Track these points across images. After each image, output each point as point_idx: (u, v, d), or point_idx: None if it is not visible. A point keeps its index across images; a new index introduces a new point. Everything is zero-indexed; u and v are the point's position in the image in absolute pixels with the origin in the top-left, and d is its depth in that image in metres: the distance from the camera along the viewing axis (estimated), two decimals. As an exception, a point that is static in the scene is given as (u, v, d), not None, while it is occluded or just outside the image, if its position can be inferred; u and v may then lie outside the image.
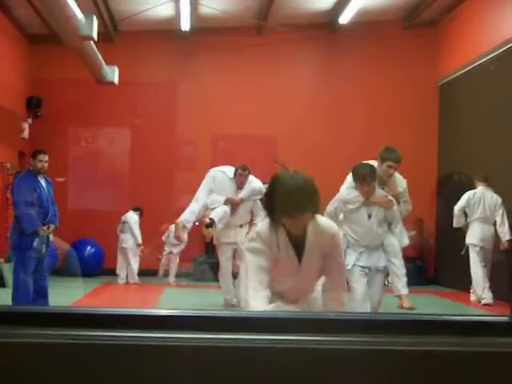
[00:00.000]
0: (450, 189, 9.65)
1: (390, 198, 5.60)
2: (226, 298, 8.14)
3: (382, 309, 5.61)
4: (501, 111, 9.38)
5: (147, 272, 10.89)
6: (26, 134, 11.78)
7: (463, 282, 9.50)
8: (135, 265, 10.81)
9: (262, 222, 3.47)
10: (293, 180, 3.14)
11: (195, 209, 7.87)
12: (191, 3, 10.62)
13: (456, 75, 11.31)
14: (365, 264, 5.55)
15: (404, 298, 5.68)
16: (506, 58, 9.52)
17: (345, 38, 11.84)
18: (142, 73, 11.74)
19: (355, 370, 1.36)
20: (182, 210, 7.94)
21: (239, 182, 8.03)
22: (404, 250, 5.79)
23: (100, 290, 10.03)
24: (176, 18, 11.38)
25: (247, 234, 7.29)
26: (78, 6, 8.17)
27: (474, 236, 9.06)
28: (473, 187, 9.20)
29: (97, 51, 9.82)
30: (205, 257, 11.32)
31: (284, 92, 12.00)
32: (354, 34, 11.57)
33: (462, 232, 9.23)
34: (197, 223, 8.12)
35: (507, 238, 8.77)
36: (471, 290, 9.28)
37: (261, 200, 7.05)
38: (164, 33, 11.87)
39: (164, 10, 11.22)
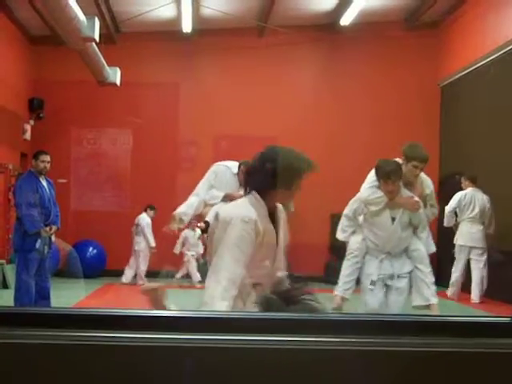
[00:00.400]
0: (450, 189, 9.65)
1: (417, 199, 5.01)
2: None
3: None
4: (502, 112, 9.38)
5: (151, 274, 10.86)
6: (27, 135, 11.79)
7: (465, 283, 9.51)
8: (143, 267, 10.79)
9: (241, 202, 3.20)
10: (292, 152, 3.18)
11: (194, 202, 7.72)
12: (193, 4, 10.62)
13: (458, 76, 11.30)
14: (386, 272, 5.02)
15: (434, 307, 5.10)
16: (507, 60, 9.52)
17: (346, 40, 11.84)
18: (143, 74, 11.73)
19: (355, 371, 1.36)
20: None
21: (241, 178, 7.97)
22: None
23: (102, 291, 10.02)
24: (178, 19, 11.38)
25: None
26: (80, 7, 8.17)
27: (461, 237, 9.35)
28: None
29: (99, 52, 9.81)
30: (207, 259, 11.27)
31: (286, 93, 12.00)
32: (356, 35, 11.56)
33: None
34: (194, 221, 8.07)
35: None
36: (449, 285, 9.44)
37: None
38: (166, 34, 11.88)
39: (166, 12, 11.22)
